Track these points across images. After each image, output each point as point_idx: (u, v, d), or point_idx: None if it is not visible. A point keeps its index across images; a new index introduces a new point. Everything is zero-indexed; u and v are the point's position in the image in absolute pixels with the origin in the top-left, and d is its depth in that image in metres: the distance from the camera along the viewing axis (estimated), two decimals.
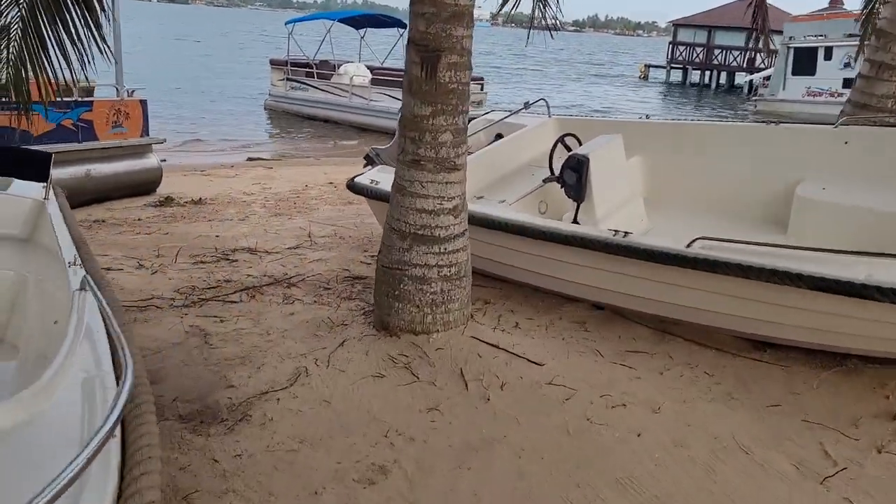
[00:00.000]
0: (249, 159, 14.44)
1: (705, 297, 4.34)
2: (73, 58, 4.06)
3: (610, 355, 4.34)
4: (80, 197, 8.84)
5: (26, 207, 4.42)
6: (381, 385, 3.80)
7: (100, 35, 4.09)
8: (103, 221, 7.95)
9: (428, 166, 3.96)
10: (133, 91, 9.80)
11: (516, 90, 34.03)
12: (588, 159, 5.27)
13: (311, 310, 4.97)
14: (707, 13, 48.29)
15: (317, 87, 20.29)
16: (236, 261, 6.18)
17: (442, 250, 4.11)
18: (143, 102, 9.82)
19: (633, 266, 4.46)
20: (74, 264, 3.08)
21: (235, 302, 5.11)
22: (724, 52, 45.78)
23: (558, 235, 4.71)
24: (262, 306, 5.03)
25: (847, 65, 28.29)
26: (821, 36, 30.40)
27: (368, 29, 22.15)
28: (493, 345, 4.20)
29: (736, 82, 48.32)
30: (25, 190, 4.58)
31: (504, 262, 5.26)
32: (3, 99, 4.13)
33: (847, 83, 28.34)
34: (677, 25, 48.89)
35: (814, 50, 29.54)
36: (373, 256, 6.41)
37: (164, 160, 13.88)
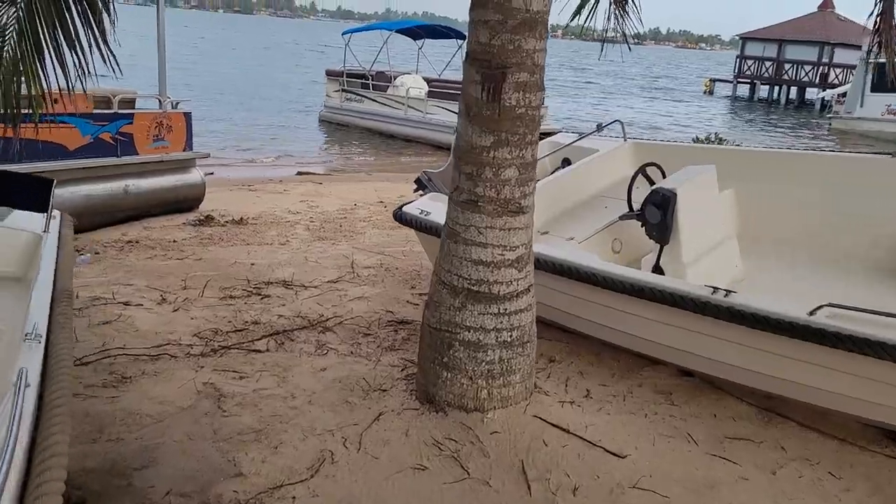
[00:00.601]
0: (299, 174, 13.94)
1: (828, 375, 3.49)
2: (72, 64, 3.45)
3: (706, 442, 3.51)
4: (118, 213, 8.39)
5: (21, 242, 3.84)
6: (421, 481, 3.06)
7: (102, 39, 3.47)
8: (136, 243, 7.43)
9: (487, 208, 3.23)
10: (177, 103, 9.32)
11: (575, 104, 33.10)
12: (675, 195, 4.46)
13: (345, 364, 4.27)
14: (777, 26, 46.52)
15: (372, 99, 19.78)
16: (268, 296, 5.53)
17: (502, 311, 3.36)
18: (187, 115, 9.33)
19: (735, 332, 3.63)
20: (31, 338, 2.41)
21: (261, 351, 4.44)
22: (795, 66, 43.95)
23: (641, 288, 3.91)
24: (291, 358, 4.35)
25: None
26: None
27: (427, 40, 21.59)
28: (562, 428, 3.43)
29: (806, 98, 46.40)
30: (25, 221, 4.02)
31: (572, 312, 4.49)
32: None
33: None
34: (745, 39, 47.21)
35: None
36: (420, 295, 5.70)
37: (212, 173, 13.53)
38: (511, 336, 3.40)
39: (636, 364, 4.34)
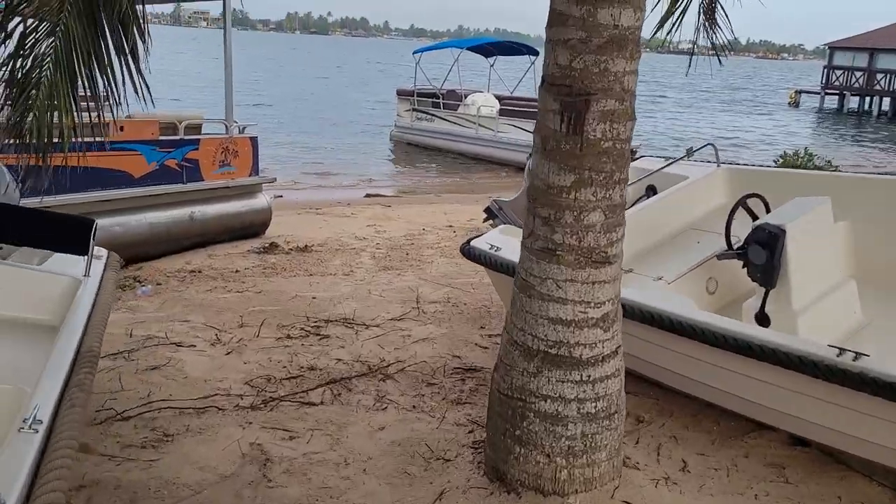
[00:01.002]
0: (368, 195, 13.69)
1: None
2: (106, 93, 3.17)
3: None
4: (184, 241, 8.24)
5: (59, 288, 3.56)
6: None
7: (136, 67, 3.17)
8: (199, 272, 7.21)
9: (567, 258, 2.75)
10: (244, 127, 9.16)
11: (651, 120, 32.11)
12: (784, 232, 3.87)
13: (406, 422, 3.83)
14: (868, 35, 44.30)
15: (443, 118, 19.49)
16: (327, 337, 5.16)
17: (585, 378, 2.86)
18: (254, 139, 9.16)
19: (866, 401, 3.03)
20: (26, 428, 2.04)
21: (315, 404, 4.05)
22: (889, 76, 41.67)
23: (748, 345, 3.34)
24: (347, 413, 3.95)
25: None
26: None
27: (498, 57, 21.22)
28: None
29: None
30: (65, 265, 3.75)
31: (664, 365, 3.94)
32: (14, 141, 3.26)
33: None
34: (833, 48, 45.11)
35: None
36: (490, 337, 5.23)
37: (281, 196, 13.43)
38: (596, 407, 2.90)
39: (739, 428, 3.76)
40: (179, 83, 36.85)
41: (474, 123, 18.52)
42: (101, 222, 7.56)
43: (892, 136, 33.55)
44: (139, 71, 3.32)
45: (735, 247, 4.20)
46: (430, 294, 6.38)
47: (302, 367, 4.54)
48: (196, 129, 8.65)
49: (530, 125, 16.71)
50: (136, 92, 3.13)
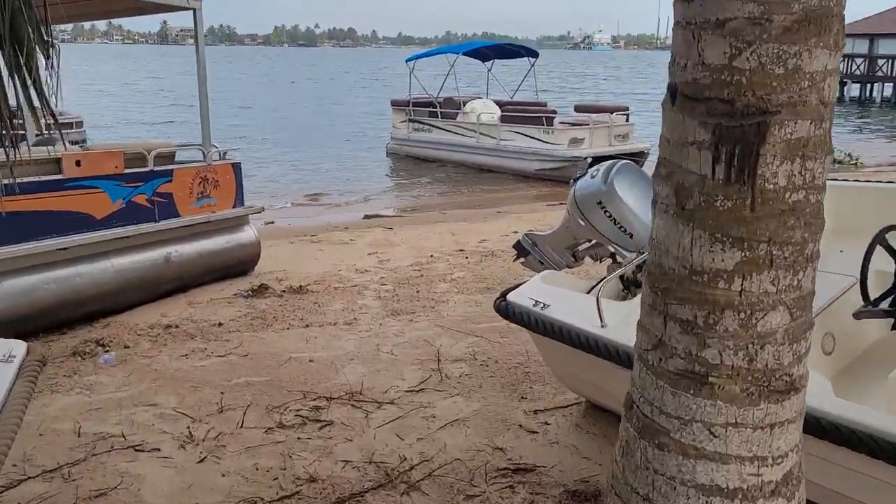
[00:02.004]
0: (366, 217, 12.60)
1: None
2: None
3: None
4: (160, 287, 7.14)
5: None
6: None
7: (38, 91, 2.15)
8: (175, 328, 6.11)
9: (729, 389, 1.66)
10: (225, 152, 8.07)
11: (652, 117, 31.04)
12: None
13: None
14: (866, 21, 43.33)
15: (441, 128, 18.41)
16: (330, 424, 4.06)
17: None
18: (236, 166, 8.07)
19: None
20: None
21: None
22: (890, 62, 40.72)
23: None
24: None
25: None
26: None
27: (496, 61, 20.17)
28: None
29: None
30: None
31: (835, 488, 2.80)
32: None
33: None
34: None
35: None
36: (537, 414, 4.14)
37: (272, 222, 12.35)
38: None
39: None
40: (168, 104, 35.87)
41: (475, 132, 17.46)
42: (60, 273, 6.61)
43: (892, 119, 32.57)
44: (43, 98, 2.30)
45: (873, 298, 3.12)
46: (451, 348, 5.29)
47: (299, 479, 3.44)
48: (168, 157, 7.55)
49: (533, 131, 15.67)
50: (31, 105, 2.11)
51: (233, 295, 7.20)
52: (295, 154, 20.19)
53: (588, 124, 15.95)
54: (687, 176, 1.64)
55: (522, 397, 4.33)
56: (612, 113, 16.52)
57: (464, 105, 18.12)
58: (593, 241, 4.47)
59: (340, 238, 10.40)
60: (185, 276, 7.46)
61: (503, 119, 16.95)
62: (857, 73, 42.66)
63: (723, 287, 1.63)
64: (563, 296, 3.76)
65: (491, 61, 20.15)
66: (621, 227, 3.99)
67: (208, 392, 4.62)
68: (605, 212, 3.99)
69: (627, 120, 16.97)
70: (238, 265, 8.07)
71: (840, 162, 18.46)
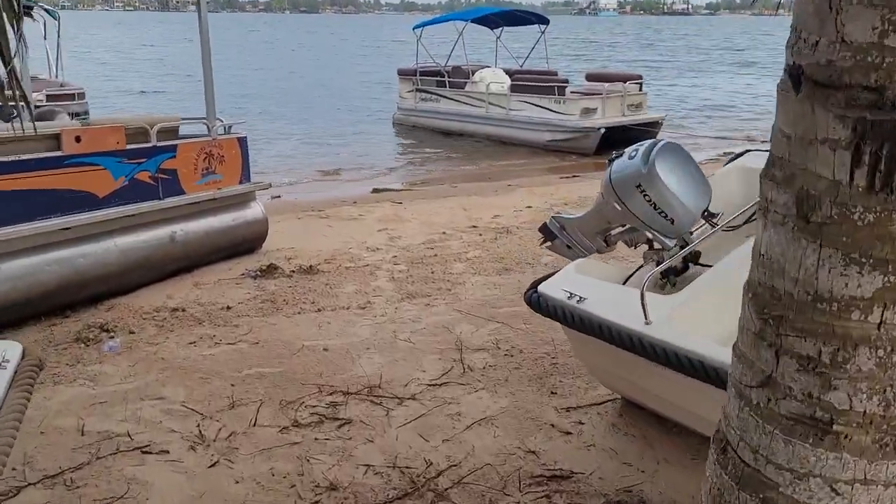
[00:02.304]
0: (375, 190, 12.29)
1: None
2: None
3: None
4: (166, 267, 6.88)
5: None
6: None
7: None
8: (182, 312, 5.86)
9: (858, 440, 1.37)
10: (230, 126, 7.75)
11: (666, 86, 30.49)
12: None
13: None
14: None
15: (449, 98, 17.99)
16: (349, 422, 3.82)
17: None
18: (242, 140, 7.76)
19: None
20: None
21: None
22: None
23: None
24: None
25: None
26: None
27: (505, 28, 19.66)
28: None
29: None
30: None
31: None
32: None
33: None
34: None
35: None
36: (569, 411, 3.89)
37: (279, 196, 12.05)
38: None
39: None
40: (172, 74, 35.40)
41: (484, 102, 17.04)
42: (62, 254, 6.35)
43: None
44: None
45: None
46: (472, 336, 5.03)
47: (318, 487, 3.20)
48: (172, 132, 7.24)
49: (544, 100, 15.27)
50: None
51: (240, 275, 6.94)
52: (299, 126, 19.76)
53: (601, 94, 15.53)
54: (814, 181, 1.35)
55: (552, 392, 4.08)
56: (625, 82, 16.09)
57: (473, 74, 17.68)
58: (627, 226, 4.18)
59: (349, 213, 10.11)
60: (192, 256, 7.20)
61: (513, 89, 16.53)
62: None
63: (857, 318, 1.35)
64: (599, 287, 3.49)
65: (500, 28, 19.65)
66: (662, 212, 3.69)
67: (218, 384, 4.38)
68: (645, 196, 3.69)
69: (641, 89, 16.52)
70: (245, 243, 7.80)
71: None
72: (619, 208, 3.87)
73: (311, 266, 7.03)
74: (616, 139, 15.36)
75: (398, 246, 8.03)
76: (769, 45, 68.74)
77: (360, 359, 4.68)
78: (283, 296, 6.21)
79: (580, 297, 3.38)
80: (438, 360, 4.62)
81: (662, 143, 3.76)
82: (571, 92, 15.85)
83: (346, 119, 21.48)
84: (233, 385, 4.35)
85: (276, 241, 8.12)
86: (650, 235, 3.92)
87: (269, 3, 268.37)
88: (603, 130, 15.17)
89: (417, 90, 18.83)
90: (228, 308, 5.94)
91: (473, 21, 18.53)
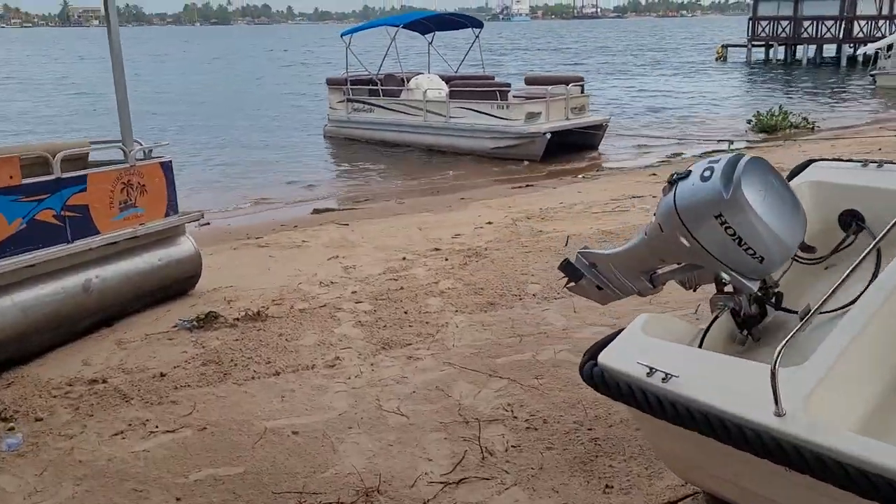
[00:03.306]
0: (316, 211, 11.19)
1: None
2: None
3: None
4: (79, 323, 5.69)
5: None
6: None
7: None
8: (103, 383, 4.70)
9: None
10: (150, 149, 6.58)
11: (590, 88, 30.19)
12: None
13: None
14: None
15: (384, 107, 16.99)
16: None
17: None
18: (166, 164, 6.60)
19: None
20: None
21: None
22: (816, 23, 41.06)
23: None
24: None
25: None
26: None
27: (437, 33, 18.81)
28: None
29: (825, 55, 43.71)
30: None
31: None
32: None
33: None
34: None
35: None
36: None
37: (208, 223, 10.83)
38: None
39: None
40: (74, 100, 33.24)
41: (422, 110, 16.12)
42: None
43: (828, 82, 32.67)
44: None
45: None
46: (476, 400, 4.07)
47: None
48: (80, 161, 6.04)
49: (486, 106, 14.45)
50: None
51: (173, 327, 5.79)
52: (223, 144, 18.30)
53: (544, 97, 14.83)
54: None
55: (608, 486, 3.14)
56: (567, 84, 15.44)
57: (407, 81, 16.72)
58: (683, 263, 3.32)
59: (291, 240, 9.01)
60: (111, 307, 6.01)
61: (452, 95, 15.67)
62: (783, 35, 42.96)
63: None
64: (687, 357, 2.59)
65: (432, 34, 18.79)
66: (748, 248, 2.82)
67: (158, 499, 3.28)
68: (726, 227, 2.82)
69: (582, 91, 15.92)
70: (175, 286, 6.65)
71: (796, 126, 17.92)
72: (687, 243, 2.98)
73: (258, 311, 5.93)
74: (560, 143, 14.68)
75: (355, 278, 7.01)
76: (683, 45, 70.17)
77: (343, 444, 3.66)
78: (230, 354, 5.11)
79: (666, 374, 2.47)
80: (445, 440, 3.64)
81: (746, 159, 2.89)
82: (514, 96, 15.11)
83: (273, 134, 20.14)
84: (178, 500, 3.26)
85: (211, 280, 7.01)
86: (725, 277, 3.05)
87: (179, 15, 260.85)
88: (549, 135, 14.48)
89: (349, 100, 17.77)
90: (162, 375, 4.81)
91: (405, 26, 17.60)
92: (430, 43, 18.77)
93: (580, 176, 13.07)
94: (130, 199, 6.21)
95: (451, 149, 15.74)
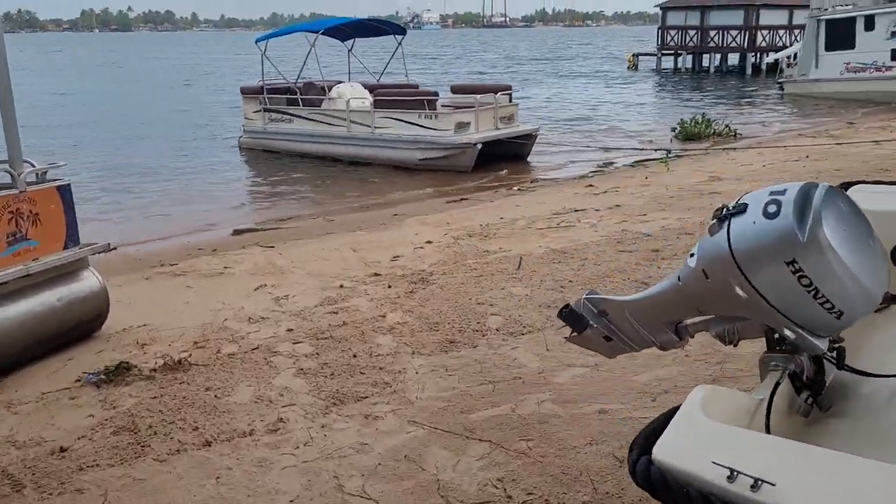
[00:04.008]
0: (236, 232, 10.26)
1: None
2: None
3: None
4: None
5: None
6: None
7: None
8: None
9: None
10: (44, 172, 5.62)
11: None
12: None
13: None
14: None
15: (304, 117, 16.10)
16: None
17: None
18: (64, 189, 5.66)
19: None
20: None
21: None
22: (722, 32, 42.41)
23: None
24: None
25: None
26: (849, 5, 27.05)
27: (356, 39, 18.06)
28: None
29: (730, 63, 45.31)
30: None
31: None
32: None
33: None
34: (666, 8, 45.51)
35: (851, 21, 26.12)
36: None
37: (114, 248, 9.75)
38: None
39: None
40: None
41: (345, 120, 15.33)
42: None
43: (736, 90, 33.64)
44: None
45: None
46: (458, 476, 3.38)
47: None
48: None
49: (413, 116, 13.81)
50: None
51: (76, 382, 4.90)
52: (127, 159, 16.88)
53: (473, 106, 14.31)
54: None
55: None
56: (496, 93, 14.98)
57: (329, 90, 15.89)
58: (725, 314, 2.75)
59: (211, 266, 8.11)
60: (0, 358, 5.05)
61: (377, 104, 14.95)
62: (691, 44, 44.19)
63: None
64: (772, 451, 1.99)
65: (351, 41, 18.03)
66: (825, 300, 2.26)
67: None
68: (799, 275, 2.25)
69: (511, 100, 15.50)
70: (78, 328, 5.72)
71: (719, 134, 18.05)
72: (744, 294, 2.39)
73: (179, 360, 5.08)
74: (489, 154, 14.20)
75: (289, 311, 6.23)
76: (583, 54, 71.42)
77: None
78: (147, 417, 4.27)
79: (756, 480, 1.86)
80: None
81: (823, 189, 2.31)
82: (442, 106, 14.54)
83: (183, 146, 18.83)
84: None
85: (120, 318, 6.11)
86: (789, 334, 2.50)
87: (76, 20, 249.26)
88: (480, 146, 13.96)
89: (265, 110, 16.78)
90: (63, 451, 3.93)
91: (324, 33, 16.77)
92: (350, 50, 18.01)
93: (515, 188, 12.58)
94: (21, 231, 5.27)
95: (376, 161, 15.02)
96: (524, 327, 5.25)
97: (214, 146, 18.79)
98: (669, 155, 14.06)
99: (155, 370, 4.98)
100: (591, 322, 2.97)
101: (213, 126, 22.29)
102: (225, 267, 8.02)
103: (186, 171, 15.32)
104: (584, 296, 2.92)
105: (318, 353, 5.13)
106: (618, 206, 9.88)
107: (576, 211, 9.80)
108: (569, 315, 2.99)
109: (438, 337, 5.24)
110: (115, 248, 9.52)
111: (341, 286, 6.90)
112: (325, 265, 7.84)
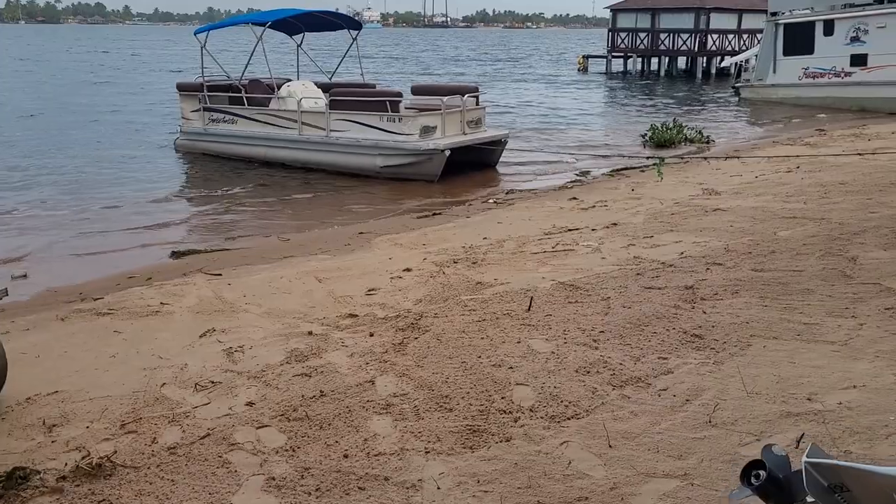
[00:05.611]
0: (176, 255, 8.72)
1: None
2: None
3: None
4: None
5: None
6: None
7: None
8: None
9: None
10: None
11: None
12: None
13: None
14: None
15: (250, 118, 14.54)
16: None
17: None
18: None
19: None
20: None
21: None
22: (672, 35, 42.13)
23: None
24: None
25: (855, 39, 24.67)
26: (807, 9, 26.72)
27: (307, 34, 16.58)
28: None
29: (679, 67, 45.19)
30: None
31: None
32: None
33: (857, 60, 24.66)
34: (616, 10, 45.10)
35: (810, 25, 25.75)
36: None
37: (24, 275, 8.15)
38: None
39: None
40: None
41: (296, 122, 13.83)
42: None
43: (690, 94, 33.20)
44: None
45: None
46: None
47: None
48: None
49: (373, 119, 12.38)
50: None
51: None
52: (40, 166, 14.85)
53: (439, 109, 13.02)
54: None
55: None
56: (462, 95, 13.72)
57: (278, 89, 14.36)
58: None
59: (145, 301, 6.64)
60: None
61: (333, 105, 13.48)
62: (642, 47, 43.84)
63: None
64: None
65: (301, 35, 16.53)
66: None
67: None
68: None
69: (478, 102, 14.26)
70: None
71: (692, 140, 17.21)
72: None
73: (98, 464, 3.66)
74: (455, 161, 12.95)
75: (246, 371, 4.86)
76: (526, 56, 70.83)
77: None
78: None
79: None
80: None
81: None
82: (406, 108, 13.21)
83: (108, 148, 16.86)
84: None
85: (25, 380, 4.73)
86: None
87: (0, 11, 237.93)
88: (448, 152, 12.69)
89: (205, 109, 15.15)
90: None
91: (271, 25, 15.23)
92: (300, 45, 16.50)
93: (492, 201, 11.33)
94: None
95: (333, 167, 13.59)
96: (567, 407, 4.00)
97: (145, 147, 16.91)
98: (663, 163, 13.01)
99: (65, 478, 3.57)
100: (792, 500, 1.70)
101: (143, 125, 20.34)
102: (162, 303, 6.56)
103: (113, 180, 13.43)
104: (804, 456, 1.64)
105: (292, 449, 3.77)
106: (614, 224, 8.74)
107: (569, 230, 8.63)
108: (767, 486, 1.71)
109: (454, 422, 3.94)
110: (23, 276, 7.97)
111: (310, 333, 5.55)
112: (286, 301, 6.46)
